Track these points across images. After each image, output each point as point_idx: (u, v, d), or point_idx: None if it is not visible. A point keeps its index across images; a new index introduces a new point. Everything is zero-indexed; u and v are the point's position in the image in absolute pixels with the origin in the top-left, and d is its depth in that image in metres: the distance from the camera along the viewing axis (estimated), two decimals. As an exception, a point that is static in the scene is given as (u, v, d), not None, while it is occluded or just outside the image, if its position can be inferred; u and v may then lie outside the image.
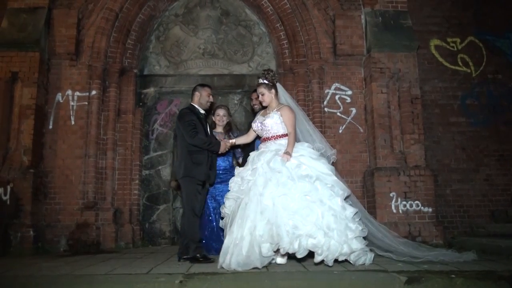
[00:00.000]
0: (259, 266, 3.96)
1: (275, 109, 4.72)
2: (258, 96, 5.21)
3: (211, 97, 5.08)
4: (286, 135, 4.65)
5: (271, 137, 4.67)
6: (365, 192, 6.76)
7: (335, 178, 4.48)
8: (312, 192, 4.20)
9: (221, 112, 5.61)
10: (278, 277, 3.65)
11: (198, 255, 4.63)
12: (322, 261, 4.08)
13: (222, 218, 4.82)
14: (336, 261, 4.15)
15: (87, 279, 3.81)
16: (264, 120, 4.72)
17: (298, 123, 4.77)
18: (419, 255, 4.68)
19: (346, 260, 4.23)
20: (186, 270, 4.03)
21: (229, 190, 4.72)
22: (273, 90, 4.78)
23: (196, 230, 4.80)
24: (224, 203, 4.76)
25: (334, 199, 4.24)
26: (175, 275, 3.74)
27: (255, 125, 4.83)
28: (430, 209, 6.37)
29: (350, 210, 4.29)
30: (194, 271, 3.98)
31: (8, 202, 6.18)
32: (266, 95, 4.75)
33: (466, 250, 5.68)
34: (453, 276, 3.73)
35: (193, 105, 5.01)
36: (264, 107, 4.97)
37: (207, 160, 4.87)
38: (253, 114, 6.06)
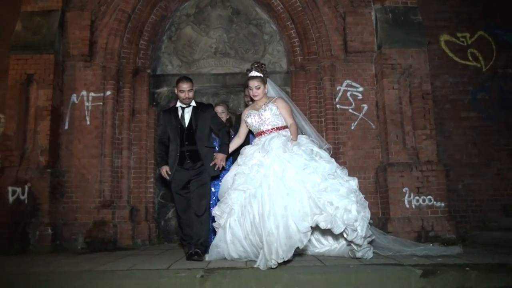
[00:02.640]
0: (300, 245, 3.86)
1: (269, 102, 4.67)
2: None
3: (186, 93, 4.87)
4: (284, 127, 4.62)
5: (270, 129, 4.59)
6: (378, 188, 6.80)
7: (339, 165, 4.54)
8: (335, 172, 4.25)
9: (219, 109, 5.71)
10: (297, 272, 3.72)
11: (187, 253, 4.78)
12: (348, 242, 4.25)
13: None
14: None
15: (109, 274, 3.92)
16: (260, 113, 4.64)
17: None
18: (404, 249, 4.76)
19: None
20: (206, 266, 4.12)
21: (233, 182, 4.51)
22: (267, 84, 4.75)
23: (181, 229, 4.96)
24: (223, 198, 4.56)
25: (351, 181, 4.31)
26: (196, 270, 3.82)
27: (251, 119, 4.70)
28: (443, 204, 6.39)
29: (362, 195, 4.35)
30: (214, 266, 4.06)
31: (26, 201, 6.30)
32: (262, 89, 4.67)
33: (478, 244, 5.82)
34: (467, 269, 3.80)
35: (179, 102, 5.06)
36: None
37: (175, 162, 4.86)
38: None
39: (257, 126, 4.67)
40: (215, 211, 4.54)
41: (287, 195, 3.98)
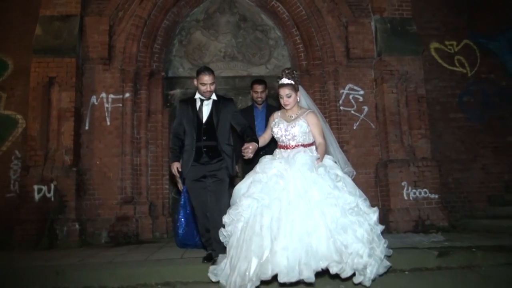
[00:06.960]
0: (306, 280, 3.46)
1: (300, 116, 4.29)
2: (262, 90, 5.67)
3: (207, 86, 4.48)
4: (311, 144, 4.28)
5: (295, 145, 4.22)
6: (377, 182, 7.44)
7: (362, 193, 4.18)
8: (356, 206, 3.89)
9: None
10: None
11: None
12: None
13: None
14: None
15: (167, 262, 4.37)
16: (289, 127, 4.26)
17: None
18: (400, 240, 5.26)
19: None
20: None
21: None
22: (298, 92, 4.33)
23: (198, 229, 4.70)
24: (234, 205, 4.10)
25: (371, 214, 3.94)
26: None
27: (277, 129, 4.31)
28: (437, 196, 7.08)
29: (380, 226, 3.97)
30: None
31: (52, 199, 6.58)
32: (293, 98, 4.26)
33: (469, 231, 6.59)
34: (474, 250, 4.49)
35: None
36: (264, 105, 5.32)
37: (190, 157, 4.52)
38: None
39: (281, 138, 4.32)
40: (225, 219, 4.08)
41: (309, 219, 3.68)
